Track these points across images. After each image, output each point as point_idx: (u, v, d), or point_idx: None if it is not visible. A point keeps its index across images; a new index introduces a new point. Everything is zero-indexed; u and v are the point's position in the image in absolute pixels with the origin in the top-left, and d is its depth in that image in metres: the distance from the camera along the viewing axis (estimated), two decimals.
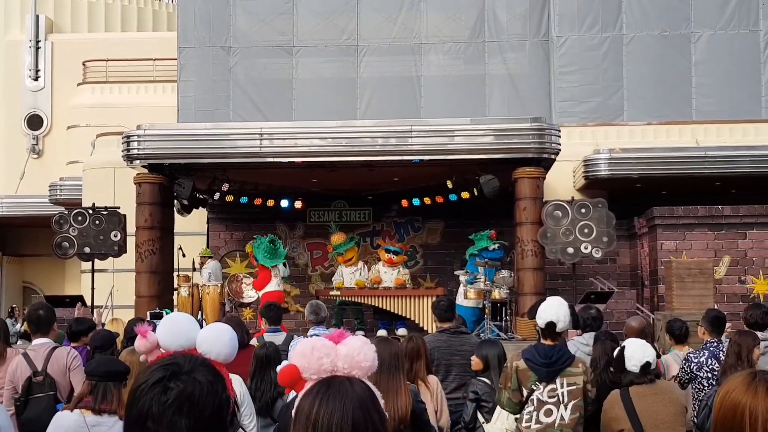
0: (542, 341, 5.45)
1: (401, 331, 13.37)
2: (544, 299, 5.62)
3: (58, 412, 4.61)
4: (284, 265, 13.94)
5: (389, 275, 14.08)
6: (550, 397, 5.28)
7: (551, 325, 5.36)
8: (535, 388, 5.31)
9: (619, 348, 5.08)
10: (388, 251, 14.28)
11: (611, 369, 5.57)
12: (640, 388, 4.90)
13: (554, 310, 5.38)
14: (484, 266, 13.02)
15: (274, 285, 12.89)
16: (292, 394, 5.32)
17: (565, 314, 5.40)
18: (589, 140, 16.74)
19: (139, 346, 3.25)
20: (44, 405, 6.02)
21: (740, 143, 16.22)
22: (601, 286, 15.01)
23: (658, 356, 5.23)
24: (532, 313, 5.63)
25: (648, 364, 4.93)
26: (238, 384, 5.07)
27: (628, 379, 4.97)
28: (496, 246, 13.71)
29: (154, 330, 6.91)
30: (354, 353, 2.10)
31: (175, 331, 3.30)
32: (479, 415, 5.91)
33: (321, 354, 2.08)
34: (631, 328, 6.86)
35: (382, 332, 13.86)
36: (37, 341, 6.37)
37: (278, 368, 2.28)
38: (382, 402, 2.03)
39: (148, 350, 3.16)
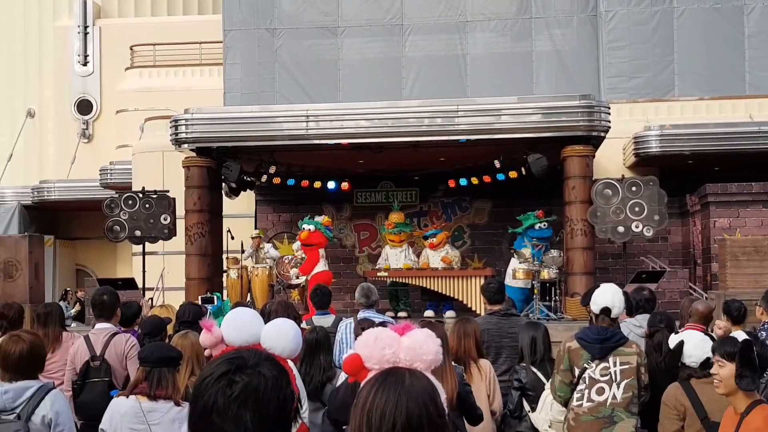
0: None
1: (449, 314, 13.37)
2: (598, 286, 5.59)
3: (114, 399, 4.68)
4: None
5: (436, 257, 14.08)
6: (602, 375, 5.25)
7: (606, 311, 5.34)
8: (587, 366, 5.29)
9: (677, 342, 4.97)
10: (425, 238, 14.36)
11: (665, 360, 5.49)
12: (700, 382, 4.81)
13: (609, 295, 5.38)
14: (533, 247, 12.94)
15: (322, 265, 12.95)
16: (342, 378, 5.35)
17: (620, 300, 5.40)
18: (640, 117, 16.49)
19: (204, 340, 3.26)
20: (99, 390, 6.12)
21: None
22: (652, 266, 14.82)
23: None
24: (586, 299, 5.59)
25: (708, 359, 4.83)
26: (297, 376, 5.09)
27: (687, 374, 4.88)
28: (544, 225, 13.60)
29: (205, 314, 7.01)
30: (417, 346, 2.11)
31: (239, 326, 3.31)
32: (525, 404, 5.87)
33: (384, 345, 2.10)
34: (697, 312, 6.71)
35: (429, 313, 13.88)
36: (99, 325, 6.46)
37: (343, 356, 2.29)
38: (444, 396, 2.01)
39: (212, 344, 3.17)
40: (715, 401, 4.76)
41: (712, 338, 5.08)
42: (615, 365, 5.27)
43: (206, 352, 3.50)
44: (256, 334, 3.11)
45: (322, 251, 13.10)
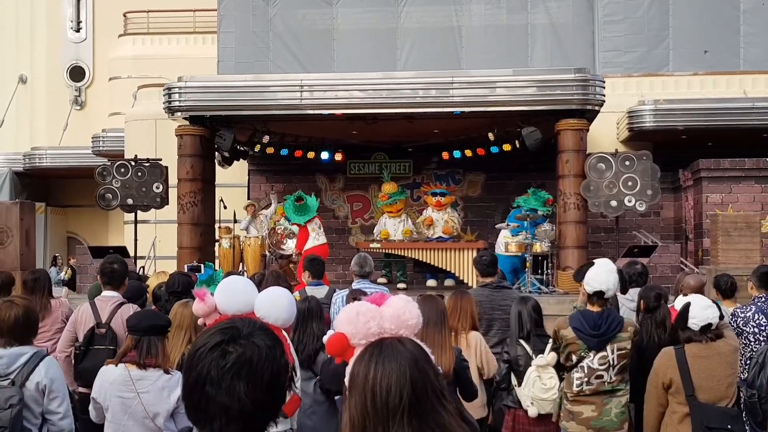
0: (589, 306, 5.38)
1: (448, 282, 13.38)
2: (592, 262, 5.50)
3: (103, 367, 4.65)
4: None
5: (440, 218, 14.04)
6: (600, 364, 5.26)
7: (599, 293, 5.29)
8: (585, 355, 5.27)
9: (684, 303, 4.96)
10: (434, 194, 14.26)
11: (665, 324, 5.47)
12: (695, 347, 4.81)
13: (603, 277, 5.28)
14: (526, 219, 12.93)
15: (312, 241, 12.91)
16: None
17: (615, 281, 5.31)
18: (634, 91, 16.46)
19: (197, 310, 3.23)
20: (103, 357, 6.04)
21: None
22: (644, 240, 14.85)
23: (722, 317, 5.09)
24: (580, 275, 5.50)
25: (709, 325, 4.84)
26: (291, 346, 5.07)
27: (687, 336, 4.88)
28: (546, 213, 13.59)
29: (195, 283, 6.97)
30: (399, 312, 2.09)
31: (233, 295, 3.28)
32: (513, 378, 5.87)
33: (367, 318, 2.08)
34: (689, 286, 6.71)
35: (431, 282, 13.90)
36: (106, 293, 6.40)
37: (325, 337, 2.26)
38: (432, 357, 2.02)
39: (205, 314, 3.14)
40: (706, 376, 4.76)
41: (718, 306, 5.07)
42: (613, 352, 5.27)
43: (199, 321, 3.48)
44: (250, 302, 3.09)
45: (311, 225, 13.01)
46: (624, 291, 6.04)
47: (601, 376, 5.27)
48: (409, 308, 2.10)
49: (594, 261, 5.53)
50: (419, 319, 2.12)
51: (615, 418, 5.28)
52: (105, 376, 4.55)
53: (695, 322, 4.85)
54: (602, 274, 5.30)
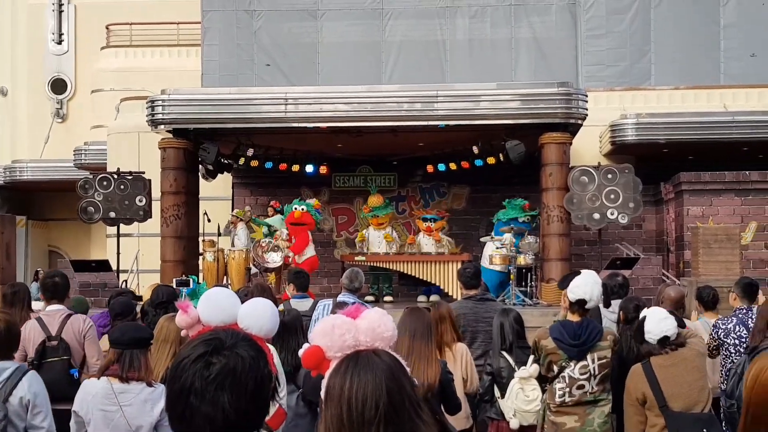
0: (569, 315, 5.44)
1: (434, 297, 13.44)
2: (578, 272, 5.54)
3: (85, 381, 4.63)
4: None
5: (431, 244, 14.11)
6: (582, 374, 5.29)
7: (582, 302, 5.34)
8: (565, 365, 5.31)
9: (639, 320, 5.05)
10: (425, 220, 14.30)
11: (631, 336, 5.54)
12: (659, 359, 4.89)
13: (588, 287, 5.32)
14: (510, 232, 13.03)
15: (311, 249, 13.02)
16: None
17: (598, 294, 5.36)
18: (616, 105, 16.59)
19: (180, 321, 3.26)
20: (58, 368, 6.07)
21: None
22: (627, 252, 14.95)
23: (682, 326, 5.16)
24: (564, 284, 5.56)
25: (666, 338, 4.91)
26: (275, 356, 5.09)
27: (647, 349, 4.95)
28: (527, 218, 13.70)
29: (181, 296, 7.01)
30: (375, 325, 2.10)
31: (216, 306, 3.31)
32: (496, 390, 5.92)
33: (342, 331, 2.08)
34: (669, 297, 6.77)
35: (422, 298, 13.94)
36: (51, 307, 6.39)
37: (301, 351, 2.30)
38: (408, 370, 2.04)
39: (188, 325, 3.17)
40: (675, 383, 4.83)
41: (679, 320, 5.13)
42: (593, 362, 5.31)
43: (182, 333, 3.50)
44: (233, 314, 3.12)
45: (310, 234, 13.16)
46: (607, 305, 6.09)
47: (583, 386, 5.31)
48: (384, 321, 2.12)
49: (580, 270, 5.60)
50: (394, 332, 2.14)
51: (598, 429, 5.32)
52: (87, 390, 4.51)
53: (651, 336, 4.92)
54: (587, 284, 5.34)
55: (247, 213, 14.37)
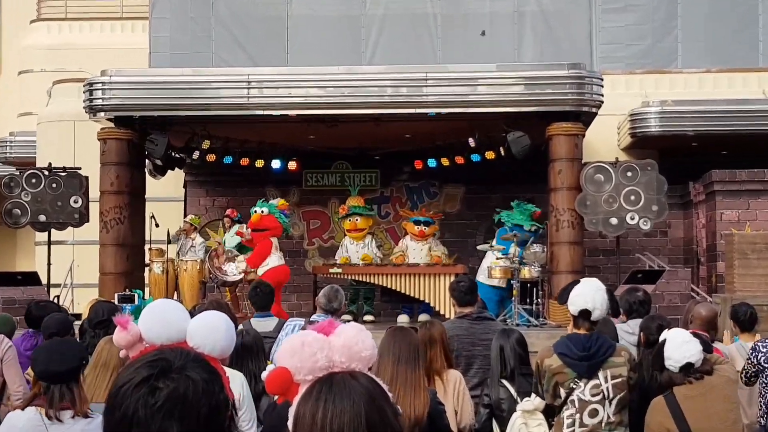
0: (575, 330, 5.45)
1: (423, 317, 13.40)
2: (577, 281, 5.60)
3: (10, 412, 4.61)
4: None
5: (418, 252, 14.10)
6: (593, 395, 5.27)
7: (585, 313, 5.35)
8: (575, 386, 5.29)
9: (658, 344, 5.03)
10: (417, 223, 14.28)
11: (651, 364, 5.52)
12: (684, 389, 4.88)
13: (589, 295, 5.36)
14: (512, 239, 13.01)
15: (276, 259, 12.89)
16: None
17: (602, 300, 5.38)
18: (637, 90, 16.63)
19: (119, 340, 3.21)
20: None
21: None
22: (649, 264, 14.99)
23: (708, 350, 5.15)
24: (563, 297, 5.58)
25: (690, 364, 4.89)
26: (239, 384, 5.04)
27: (667, 379, 4.94)
28: (533, 228, 13.69)
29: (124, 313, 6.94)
30: (351, 343, 2.09)
31: (161, 321, 3.27)
32: (495, 425, 5.89)
33: (313, 349, 2.07)
34: (699, 317, 6.77)
35: (403, 318, 13.90)
36: None
37: (264, 373, 2.26)
38: (390, 395, 2.03)
39: (128, 344, 3.13)
40: (703, 417, 4.82)
41: (704, 343, 5.12)
42: (606, 380, 5.29)
43: (121, 353, 3.45)
44: (181, 329, 3.09)
45: (275, 240, 13.04)
46: (616, 314, 6.11)
47: (596, 412, 5.29)
48: (362, 338, 2.11)
49: (579, 279, 5.61)
50: (374, 351, 2.13)
51: None
52: (12, 422, 4.50)
53: (673, 363, 4.91)
54: (587, 293, 5.38)
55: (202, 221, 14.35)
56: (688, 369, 4.89)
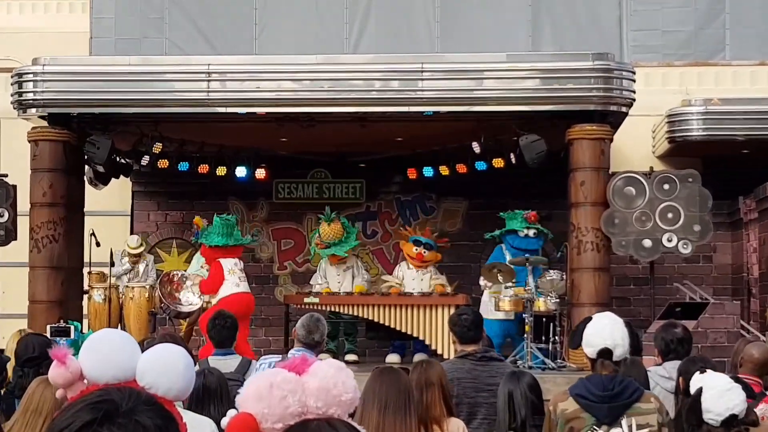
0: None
1: (418, 356, 13.39)
2: (589, 319, 5.66)
3: None
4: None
5: (417, 283, 14.08)
6: None
7: (606, 353, 5.38)
8: None
9: (694, 393, 5.03)
10: (417, 243, 14.25)
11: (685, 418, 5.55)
12: None
13: (607, 331, 5.41)
14: (524, 264, 13.02)
15: (231, 286, 12.86)
16: None
17: (623, 335, 5.41)
18: (676, 87, 16.66)
19: (56, 377, 3.21)
20: None
21: None
22: (690, 295, 15.01)
23: (750, 394, 5.17)
24: (576, 340, 5.61)
25: (733, 417, 4.90)
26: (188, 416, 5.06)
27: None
28: (531, 232, 13.67)
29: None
30: (329, 385, 2.11)
31: (105, 355, 3.28)
32: None
33: (284, 392, 2.08)
34: (752, 359, 6.78)
35: (393, 357, 13.89)
36: None
37: (224, 420, 2.27)
38: None
39: (67, 382, 3.12)
40: None
41: (746, 387, 5.12)
42: (630, 429, 5.31)
43: (58, 393, 3.46)
44: (130, 366, 3.09)
45: (228, 262, 13.03)
46: (636, 351, 6.10)
47: None
48: (341, 379, 2.12)
49: (591, 317, 5.63)
50: (355, 394, 2.14)
51: None
52: None
53: (713, 416, 4.91)
54: (604, 328, 5.42)
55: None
56: (731, 422, 4.89)
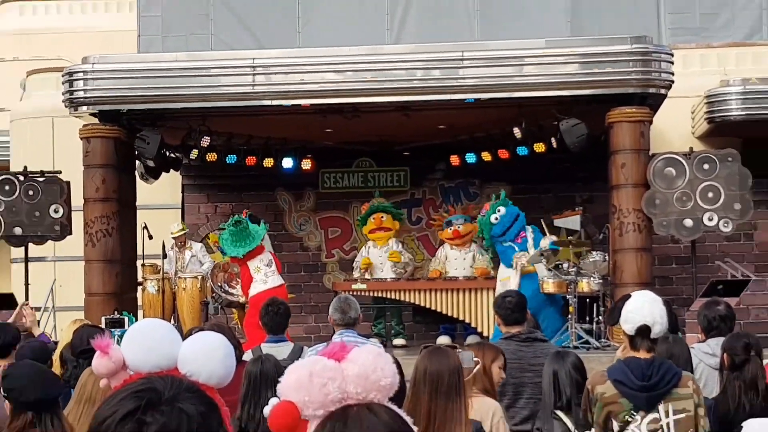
0: (633, 353, 5.45)
1: (471, 339, 13.38)
2: (628, 296, 5.61)
3: None
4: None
5: (460, 262, 14.06)
6: (651, 431, 5.26)
7: (644, 330, 5.35)
8: (630, 419, 5.28)
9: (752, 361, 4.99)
10: (449, 224, 14.25)
11: (757, 385, 5.48)
12: None
13: (646, 308, 5.36)
14: (567, 245, 12.97)
15: (258, 284, 12.86)
16: None
17: (662, 313, 5.37)
18: (715, 68, 16.54)
19: (99, 367, 3.23)
20: None
21: None
22: (732, 273, 14.89)
23: None
24: (614, 316, 5.58)
25: None
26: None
27: None
28: (502, 207, 13.53)
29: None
30: (368, 371, 2.08)
31: (148, 344, 3.28)
32: None
33: (324, 380, 2.06)
34: None
35: (444, 339, 13.90)
36: None
37: (266, 409, 2.26)
38: (415, 429, 2.05)
39: (110, 372, 3.13)
40: None
41: None
42: (667, 415, 5.27)
43: (102, 383, 3.48)
44: (173, 354, 3.09)
45: (252, 264, 12.99)
46: (674, 329, 6.07)
47: None
48: (380, 364, 2.09)
49: (629, 294, 5.59)
50: (395, 379, 2.11)
51: None
52: None
53: None
54: (642, 306, 5.38)
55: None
56: None
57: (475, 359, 5.54)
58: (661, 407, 5.28)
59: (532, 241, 13.18)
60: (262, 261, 13.11)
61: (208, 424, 1.89)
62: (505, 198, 13.68)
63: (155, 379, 1.97)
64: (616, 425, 5.34)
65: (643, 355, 5.37)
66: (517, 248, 13.33)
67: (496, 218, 13.47)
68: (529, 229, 13.54)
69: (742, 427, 4.94)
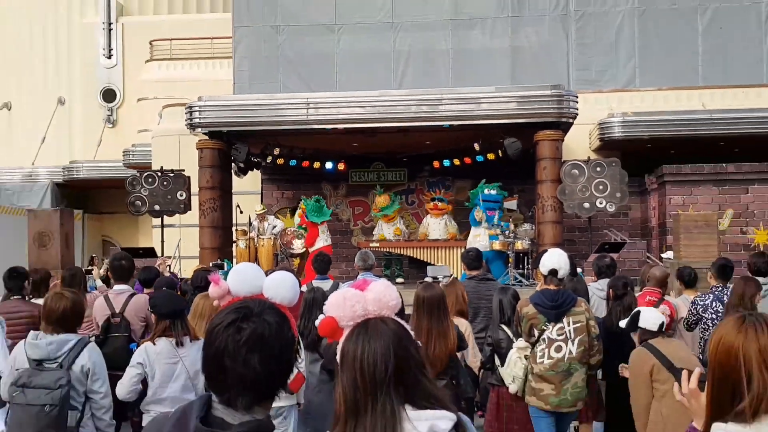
0: (546, 286, 5.44)
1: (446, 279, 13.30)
2: (545, 251, 5.71)
3: (146, 343, 4.81)
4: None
5: (437, 226, 14.04)
6: (558, 335, 5.31)
7: (553, 272, 5.40)
8: (545, 328, 5.32)
9: (633, 312, 4.97)
10: (434, 199, 14.27)
11: (631, 309, 5.43)
12: (657, 340, 4.79)
13: (555, 258, 5.45)
14: (486, 213, 12.92)
15: (322, 241, 13.02)
16: None
17: (566, 262, 5.48)
18: (604, 105, 16.44)
19: (212, 292, 3.30)
20: (119, 344, 6.12)
21: (743, 106, 15.81)
22: (614, 237, 14.83)
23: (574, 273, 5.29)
24: (536, 262, 5.64)
25: (663, 324, 4.83)
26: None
27: (646, 337, 4.84)
28: (493, 190, 13.42)
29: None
30: (381, 296, 2.10)
31: (243, 279, 3.31)
32: (497, 359, 5.85)
33: (352, 302, 2.08)
34: (654, 277, 6.69)
35: (429, 279, 13.88)
36: (118, 287, 6.45)
37: (317, 322, 2.28)
38: (412, 333, 2.05)
39: (220, 296, 3.16)
40: (674, 352, 4.75)
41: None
42: (569, 324, 5.32)
43: (215, 303, 3.52)
44: (259, 285, 3.09)
45: (322, 228, 13.24)
46: (573, 273, 6.09)
47: (561, 348, 5.30)
48: (389, 292, 2.11)
49: (547, 249, 5.61)
50: (398, 301, 2.13)
51: (570, 397, 5.34)
52: (150, 349, 4.74)
53: (651, 324, 4.82)
54: (554, 257, 5.48)
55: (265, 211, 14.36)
56: (661, 327, 4.82)
57: (449, 274, 5.58)
58: (564, 320, 5.31)
59: (497, 220, 13.02)
60: (326, 228, 13.26)
61: (281, 330, 1.93)
62: (500, 189, 13.56)
63: (249, 300, 2.05)
64: (536, 332, 5.36)
65: (552, 287, 5.38)
66: (485, 217, 13.11)
67: (489, 192, 13.40)
68: (497, 212, 13.44)
69: (639, 311, 4.92)
